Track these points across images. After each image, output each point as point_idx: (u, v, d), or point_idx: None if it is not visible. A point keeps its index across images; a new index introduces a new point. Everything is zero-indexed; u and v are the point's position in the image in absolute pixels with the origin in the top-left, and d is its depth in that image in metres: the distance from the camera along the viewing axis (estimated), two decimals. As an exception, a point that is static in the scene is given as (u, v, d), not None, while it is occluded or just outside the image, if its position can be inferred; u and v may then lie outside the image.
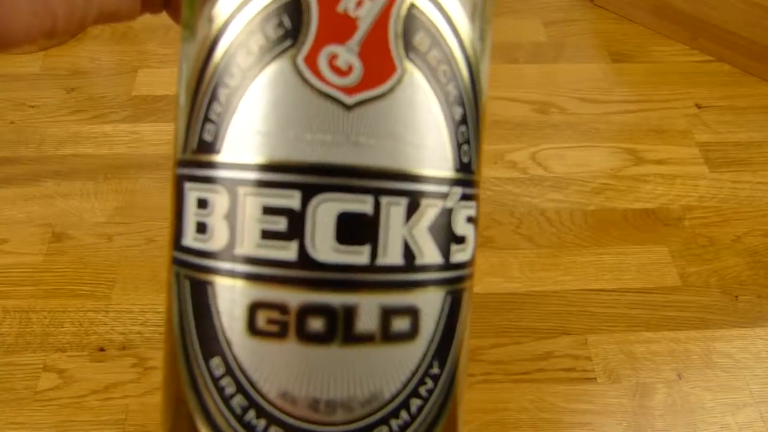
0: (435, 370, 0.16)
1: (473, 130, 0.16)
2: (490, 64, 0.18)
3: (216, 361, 0.15)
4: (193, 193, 0.15)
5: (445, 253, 0.15)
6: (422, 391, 0.15)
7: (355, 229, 0.14)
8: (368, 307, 0.15)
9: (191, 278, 0.16)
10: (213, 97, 0.15)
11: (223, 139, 0.15)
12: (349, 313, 0.15)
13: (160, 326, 0.49)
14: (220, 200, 0.15)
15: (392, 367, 0.15)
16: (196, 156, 0.15)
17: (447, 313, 0.16)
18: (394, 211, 0.14)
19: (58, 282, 0.52)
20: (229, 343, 0.15)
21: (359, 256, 0.14)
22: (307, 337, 0.14)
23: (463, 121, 0.15)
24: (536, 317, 0.50)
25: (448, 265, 0.16)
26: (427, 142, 0.15)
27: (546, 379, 0.46)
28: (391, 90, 0.15)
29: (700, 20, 0.72)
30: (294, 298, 0.14)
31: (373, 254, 0.14)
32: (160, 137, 0.63)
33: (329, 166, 0.14)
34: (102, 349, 0.48)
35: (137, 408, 0.45)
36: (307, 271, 0.14)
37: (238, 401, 0.15)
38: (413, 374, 0.15)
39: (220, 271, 0.15)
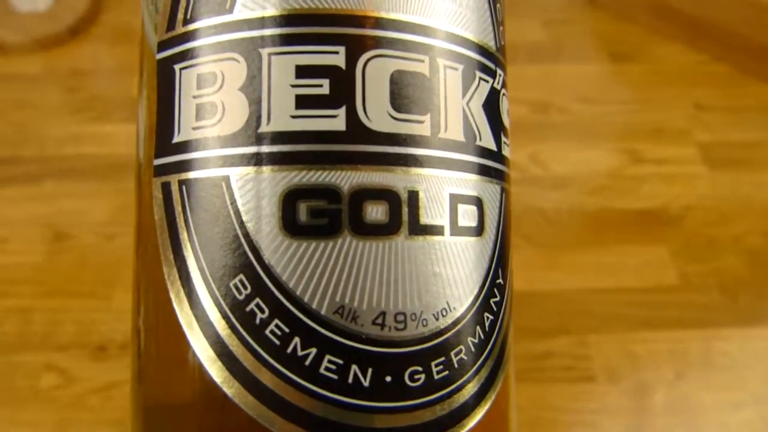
0: (500, 281, 0.13)
1: (502, 15, 0.14)
2: None
3: (238, 281, 0.11)
4: (190, 71, 0.12)
5: (498, 141, 0.13)
6: (492, 304, 0.13)
7: (414, 94, 0.12)
8: (436, 190, 0.12)
9: (190, 182, 0.12)
10: None
11: None
12: (415, 196, 0.12)
13: (160, 326, 0.49)
14: (234, 70, 0.12)
15: (466, 269, 0.12)
16: (191, 25, 0.12)
17: (504, 213, 0.13)
18: (451, 76, 0.12)
19: (59, 281, 0.52)
20: (258, 251, 0.11)
21: (421, 126, 0.12)
22: (365, 229, 0.11)
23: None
24: (536, 317, 0.50)
25: (500, 157, 0.13)
26: (473, 6, 0.13)
27: (546, 378, 0.46)
28: None
29: (700, 20, 0.72)
30: (346, 179, 0.11)
31: (435, 126, 0.12)
32: (161, 137, 0.63)
33: (381, 18, 0.12)
34: (103, 349, 0.48)
35: (138, 407, 0.45)
36: (361, 144, 0.11)
37: (274, 329, 0.11)
38: (485, 281, 0.13)
39: (238, 159, 0.11)
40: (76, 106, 0.66)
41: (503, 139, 0.14)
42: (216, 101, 0.12)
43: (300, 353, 0.11)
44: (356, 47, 0.12)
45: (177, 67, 0.12)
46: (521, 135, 0.64)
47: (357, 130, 0.11)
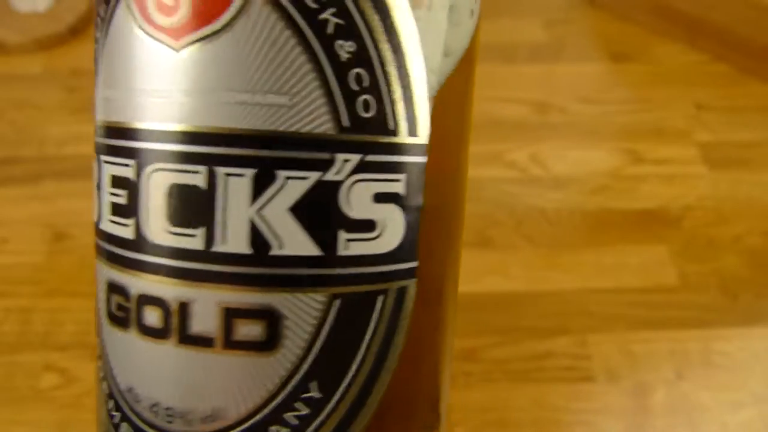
0: (314, 394, 0.12)
1: (392, 71, 0.11)
2: None
3: (99, 341, 0.14)
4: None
5: (325, 243, 0.12)
6: (289, 418, 0.12)
7: (187, 207, 0.12)
8: (205, 304, 0.12)
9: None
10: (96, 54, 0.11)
11: (98, 88, 0.12)
12: (184, 308, 0.12)
13: (160, 326, 0.49)
14: (95, 167, 0.12)
15: (240, 382, 0.12)
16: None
17: (335, 322, 0.12)
18: (234, 184, 0.11)
19: (59, 281, 0.52)
20: (101, 325, 0.14)
21: (193, 239, 0.12)
22: (144, 329, 0.13)
23: (361, 61, 0.11)
24: (536, 317, 0.50)
25: (331, 260, 0.12)
26: (288, 90, 0.11)
27: (546, 378, 0.46)
28: (228, 25, 0.11)
29: (700, 20, 0.72)
30: (134, 283, 0.13)
31: (209, 239, 0.12)
32: (161, 137, 0.63)
33: (159, 130, 0.12)
34: (103, 349, 0.48)
35: (138, 407, 0.45)
36: (142, 253, 0.13)
37: (105, 386, 0.14)
38: (273, 395, 0.12)
39: (96, 245, 0.12)
40: (76, 106, 0.66)
41: (348, 235, 0.12)
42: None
43: (113, 413, 0.14)
44: (143, 160, 0.12)
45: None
46: (521, 135, 0.64)
47: (141, 240, 0.13)
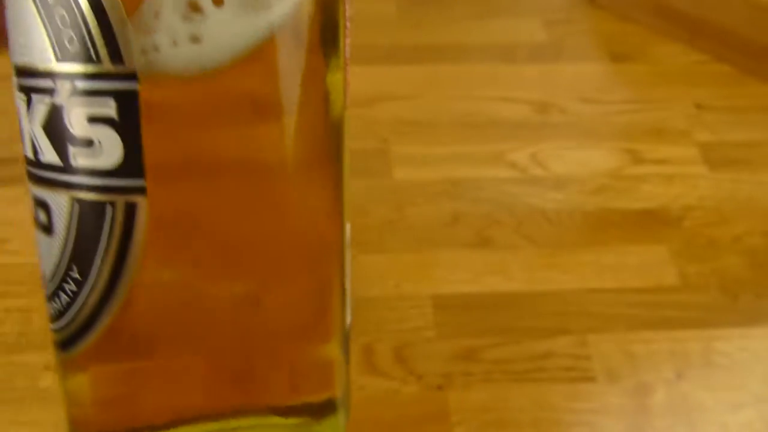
0: (75, 276, 0.16)
1: (89, 11, 0.13)
2: None
3: None
4: None
5: (63, 154, 0.15)
6: (67, 288, 0.16)
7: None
8: (29, 190, 0.17)
9: None
10: None
11: None
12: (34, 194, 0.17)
13: (160, 326, 0.49)
14: None
15: (45, 251, 0.17)
16: None
17: (79, 221, 0.15)
18: (21, 105, 0.15)
19: (59, 282, 0.52)
20: None
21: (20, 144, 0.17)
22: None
23: (61, 2, 0.13)
24: (536, 317, 0.50)
25: (69, 169, 0.15)
26: (27, 33, 0.14)
27: (546, 378, 0.46)
28: None
29: (700, 20, 0.72)
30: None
31: (24, 145, 0.17)
32: (161, 137, 0.63)
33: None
34: (102, 349, 0.48)
35: (138, 407, 0.45)
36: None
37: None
38: (56, 267, 0.17)
39: None
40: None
41: (76, 150, 0.14)
42: None
43: None
44: None
45: None
46: (521, 135, 0.64)
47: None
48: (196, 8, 0.13)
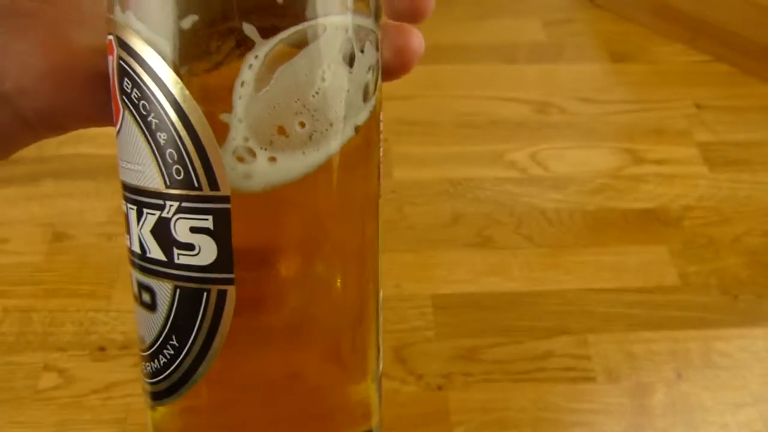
0: (174, 343, 0.20)
1: (191, 153, 0.18)
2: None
3: None
4: None
5: (167, 253, 0.19)
6: (166, 353, 0.20)
7: (126, 223, 0.20)
8: (132, 277, 0.21)
9: None
10: None
11: None
12: (134, 279, 0.21)
13: (160, 326, 0.49)
14: None
15: (148, 325, 0.20)
16: None
17: (179, 303, 0.19)
18: (131, 213, 0.20)
19: (59, 281, 0.52)
20: None
21: (127, 240, 0.20)
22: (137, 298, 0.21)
23: (171, 146, 0.18)
24: (536, 317, 0.50)
25: (172, 265, 0.19)
26: (142, 163, 0.19)
27: (546, 378, 0.46)
28: (121, 125, 0.19)
29: (700, 20, 0.72)
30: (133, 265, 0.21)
31: (130, 241, 0.20)
32: (161, 137, 0.63)
33: (122, 180, 0.20)
34: (103, 349, 0.48)
35: (138, 407, 0.45)
36: (132, 253, 0.21)
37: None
38: (158, 337, 0.20)
39: None
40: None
41: (179, 251, 0.19)
42: None
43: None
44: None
45: None
46: (521, 135, 0.64)
47: None
48: (271, 143, 0.18)
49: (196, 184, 0.18)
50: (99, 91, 0.20)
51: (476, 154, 0.62)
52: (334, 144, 0.19)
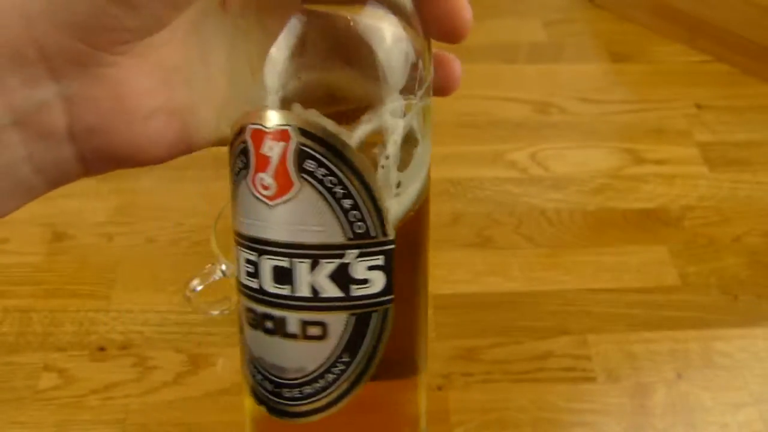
0: (345, 359, 0.25)
1: (371, 210, 0.23)
2: (424, 152, 0.25)
3: (242, 336, 0.27)
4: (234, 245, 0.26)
5: (345, 290, 0.24)
6: (335, 370, 0.25)
7: (281, 275, 0.24)
8: (292, 319, 0.24)
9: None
10: (232, 194, 0.25)
11: (233, 216, 0.25)
12: (282, 321, 0.25)
13: (160, 326, 0.49)
14: (235, 250, 0.25)
15: (311, 354, 0.25)
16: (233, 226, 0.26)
17: (355, 326, 0.24)
18: (301, 266, 0.24)
19: (59, 281, 0.52)
20: (243, 327, 0.27)
21: (284, 290, 0.24)
22: (265, 330, 0.25)
23: (354, 207, 0.23)
24: (536, 317, 0.50)
25: (349, 298, 0.24)
26: (320, 224, 0.23)
27: (546, 378, 0.46)
28: (294, 197, 0.23)
29: (700, 20, 0.72)
30: (258, 308, 0.25)
31: (292, 290, 0.24)
32: (161, 137, 0.63)
33: (265, 240, 0.24)
34: (102, 349, 0.48)
35: (137, 407, 0.45)
36: (261, 295, 0.25)
37: (247, 356, 0.27)
38: (327, 360, 0.25)
39: (238, 289, 0.26)
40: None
41: (356, 286, 0.24)
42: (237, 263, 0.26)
43: (251, 370, 0.27)
44: (259, 252, 0.24)
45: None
46: (522, 135, 0.64)
47: (260, 289, 0.25)
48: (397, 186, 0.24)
49: (373, 234, 0.24)
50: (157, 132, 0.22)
51: (476, 154, 0.62)
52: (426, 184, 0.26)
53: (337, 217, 0.23)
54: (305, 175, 0.23)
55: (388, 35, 0.23)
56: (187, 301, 0.46)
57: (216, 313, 0.48)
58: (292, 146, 0.22)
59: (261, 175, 0.23)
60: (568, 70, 0.72)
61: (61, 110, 0.20)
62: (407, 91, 0.24)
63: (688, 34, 0.74)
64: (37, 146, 0.20)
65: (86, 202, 0.57)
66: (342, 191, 0.23)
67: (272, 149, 0.22)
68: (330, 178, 0.23)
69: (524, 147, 0.63)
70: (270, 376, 0.26)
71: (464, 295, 0.51)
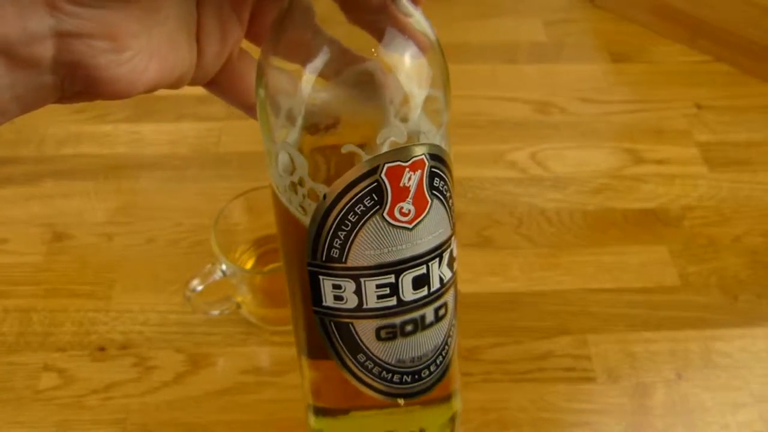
0: (452, 335, 0.31)
1: (453, 204, 0.29)
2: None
3: (361, 356, 0.29)
4: (327, 281, 0.27)
5: (453, 270, 0.29)
6: (448, 342, 0.31)
7: (420, 282, 0.27)
8: (430, 312, 0.28)
9: (336, 322, 0.28)
10: (335, 235, 0.26)
11: (346, 255, 0.26)
12: (422, 317, 0.28)
13: (160, 326, 0.49)
14: (348, 285, 0.27)
15: (438, 335, 0.30)
16: (326, 263, 0.27)
17: (453, 298, 0.30)
18: (433, 265, 0.28)
19: (59, 282, 0.52)
20: (367, 346, 0.29)
21: (423, 292, 0.28)
22: (405, 334, 0.28)
23: (453, 204, 0.29)
24: (536, 317, 0.50)
25: (453, 276, 0.30)
26: (443, 226, 0.28)
27: (546, 378, 0.46)
28: (428, 213, 0.27)
29: (700, 20, 0.72)
30: (398, 320, 0.28)
31: (429, 289, 0.28)
32: (161, 137, 0.63)
33: (406, 258, 0.27)
34: (102, 349, 0.48)
35: (137, 407, 0.45)
36: (402, 307, 0.28)
37: (375, 368, 0.29)
38: (445, 335, 0.30)
39: (357, 317, 0.28)
40: (75, 106, 0.66)
41: (454, 266, 0.30)
42: (343, 296, 0.27)
43: (384, 375, 0.30)
44: (397, 272, 0.27)
45: (320, 277, 0.27)
46: (522, 135, 0.64)
47: (400, 302, 0.28)
48: None
49: (453, 223, 0.29)
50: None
51: (476, 154, 0.62)
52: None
53: (449, 216, 0.28)
54: (435, 192, 0.27)
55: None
56: (187, 301, 0.46)
57: (216, 313, 0.48)
58: (427, 170, 0.26)
59: (401, 204, 0.26)
60: (568, 70, 0.72)
61: (51, 44, 0.21)
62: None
63: (688, 34, 0.74)
64: (19, 75, 0.21)
65: (86, 202, 0.57)
66: (449, 194, 0.28)
67: (411, 179, 0.26)
68: (445, 186, 0.28)
69: (524, 147, 0.63)
70: (409, 370, 0.30)
71: (464, 295, 0.51)
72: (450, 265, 0.29)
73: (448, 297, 0.29)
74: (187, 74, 0.25)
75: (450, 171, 0.28)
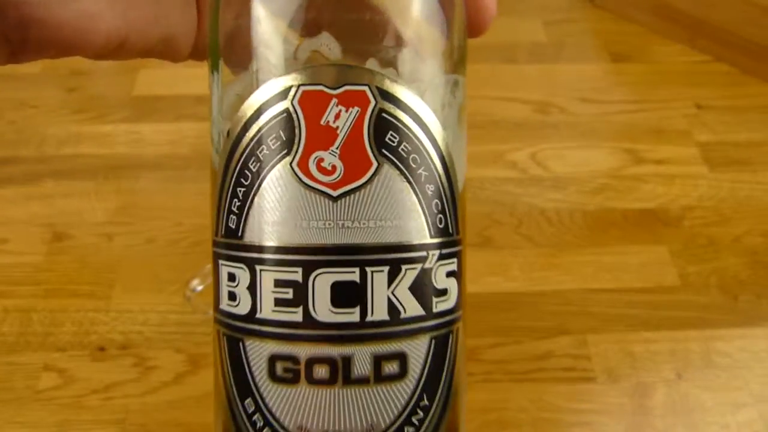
0: (425, 403, 0.19)
1: (449, 200, 0.19)
2: (465, 138, 0.21)
3: (248, 402, 0.19)
4: (224, 267, 0.19)
5: (427, 306, 0.18)
6: (414, 420, 0.19)
7: (346, 295, 0.18)
8: (362, 356, 0.18)
9: (227, 336, 0.19)
10: (234, 193, 0.18)
11: (243, 225, 0.18)
12: (347, 361, 0.18)
13: (160, 326, 0.49)
14: (242, 275, 0.18)
15: (386, 403, 0.18)
16: (224, 239, 0.19)
17: (433, 354, 0.19)
18: (377, 277, 0.18)
19: (59, 282, 0.52)
20: (257, 388, 0.19)
21: (351, 315, 0.18)
22: (314, 381, 0.18)
23: (437, 195, 0.18)
24: (536, 317, 0.50)
25: (430, 316, 0.19)
26: (404, 218, 0.18)
27: (546, 378, 0.46)
28: (369, 181, 0.18)
29: (700, 20, 0.72)
30: (302, 351, 0.18)
31: (363, 313, 0.18)
32: (161, 137, 0.63)
33: (322, 247, 0.18)
34: (102, 349, 0.48)
35: (137, 407, 0.45)
36: (311, 330, 0.18)
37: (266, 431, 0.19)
38: (405, 407, 0.19)
39: (249, 330, 0.19)
40: (75, 106, 0.66)
41: (437, 299, 0.19)
42: (236, 292, 0.19)
43: None
44: (308, 268, 0.18)
45: (219, 262, 0.19)
46: (522, 135, 0.64)
47: (308, 321, 0.18)
48: None
49: (450, 231, 0.19)
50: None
51: (476, 154, 0.62)
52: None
53: (421, 208, 0.18)
54: (386, 152, 0.17)
55: None
56: (187, 301, 0.46)
57: (216, 313, 0.48)
58: (372, 113, 0.17)
59: (320, 154, 0.17)
60: (568, 70, 0.72)
61: None
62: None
63: (688, 34, 0.74)
64: None
65: (86, 203, 0.57)
66: (425, 174, 0.18)
67: (340, 118, 0.17)
68: (414, 156, 0.18)
69: (524, 147, 0.63)
70: None
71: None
72: (421, 297, 0.18)
73: (412, 349, 0.18)
74: (184, 38, 0.21)
75: (439, 146, 0.18)
